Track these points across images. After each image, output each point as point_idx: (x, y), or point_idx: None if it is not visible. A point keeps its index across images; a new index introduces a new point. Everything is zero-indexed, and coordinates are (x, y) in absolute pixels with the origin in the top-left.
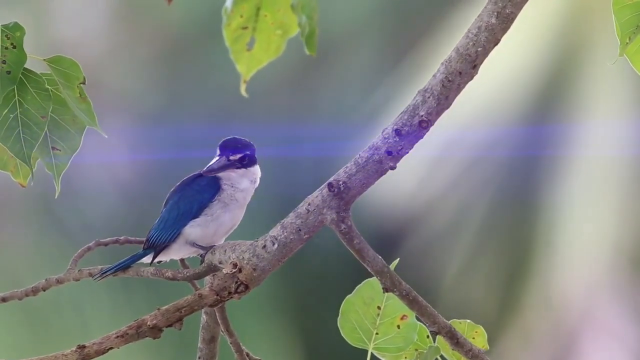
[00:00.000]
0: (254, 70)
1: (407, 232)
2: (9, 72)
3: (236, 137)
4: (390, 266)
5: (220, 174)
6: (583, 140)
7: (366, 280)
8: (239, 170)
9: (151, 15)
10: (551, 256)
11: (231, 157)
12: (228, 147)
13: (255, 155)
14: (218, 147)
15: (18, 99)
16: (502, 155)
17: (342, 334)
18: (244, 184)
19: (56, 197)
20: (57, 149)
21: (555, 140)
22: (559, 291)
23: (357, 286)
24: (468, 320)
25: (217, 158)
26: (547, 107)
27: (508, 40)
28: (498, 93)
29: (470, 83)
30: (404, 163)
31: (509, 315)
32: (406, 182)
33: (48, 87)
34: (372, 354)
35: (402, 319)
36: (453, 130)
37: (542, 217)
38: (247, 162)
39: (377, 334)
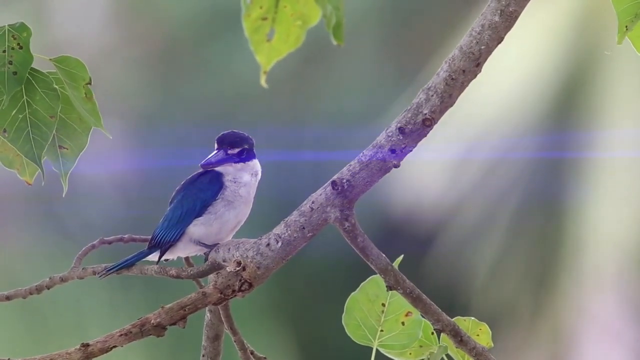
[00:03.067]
0: (274, 61)
1: (437, 234)
2: (15, 73)
3: (234, 130)
4: (393, 264)
5: (219, 169)
6: (605, 141)
7: (371, 277)
8: (237, 165)
9: (148, 15)
10: (579, 256)
11: (229, 151)
12: (226, 141)
13: (254, 150)
14: (215, 141)
15: (26, 99)
16: (527, 157)
17: (346, 331)
18: (245, 178)
19: (63, 195)
20: (65, 148)
21: (578, 142)
22: (586, 291)
23: (362, 283)
24: (472, 318)
25: (215, 152)
26: (568, 108)
27: (527, 41)
28: (519, 95)
29: (492, 84)
30: (431, 165)
31: (539, 316)
32: (434, 185)
33: (56, 86)
34: (376, 350)
35: (406, 315)
36: (477, 132)
37: (569, 216)
38: (245, 156)
39: (381, 331)
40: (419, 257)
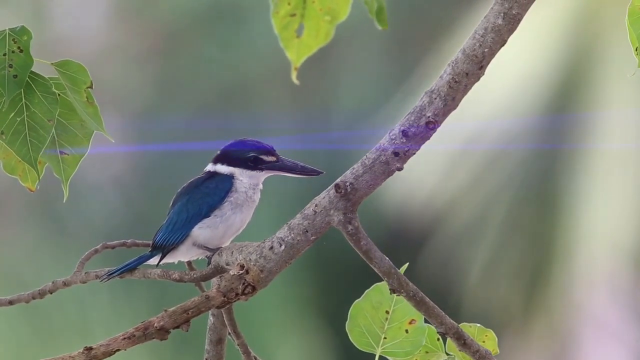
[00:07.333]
0: (304, 57)
1: (430, 230)
2: (15, 76)
3: (247, 138)
4: (399, 270)
5: (230, 172)
6: (600, 133)
7: (375, 284)
8: (250, 171)
9: (145, 11)
10: (573, 253)
11: (269, 158)
12: (267, 147)
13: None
14: (268, 152)
15: (25, 103)
16: (522, 150)
17: (350, 338)
18: (260, 182)
19: (64, 201)
20: (65, 153)
21: (574, 134)
22: (579, 289)
23: (366, 290)
24: (478, 325)
25: (270, 158)
26: (565, 102)
27: (525, 38)
28: (516, 89)
29: (491, 80)
30: (424, 161)
31: (533, 314)
32: (427, 181)
33: (55, 90)
34: (380, 357)
35: (410, 323)
36: (471, 128)
37: (563, 212)
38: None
39: (385, 338)
40: (411, 256)
